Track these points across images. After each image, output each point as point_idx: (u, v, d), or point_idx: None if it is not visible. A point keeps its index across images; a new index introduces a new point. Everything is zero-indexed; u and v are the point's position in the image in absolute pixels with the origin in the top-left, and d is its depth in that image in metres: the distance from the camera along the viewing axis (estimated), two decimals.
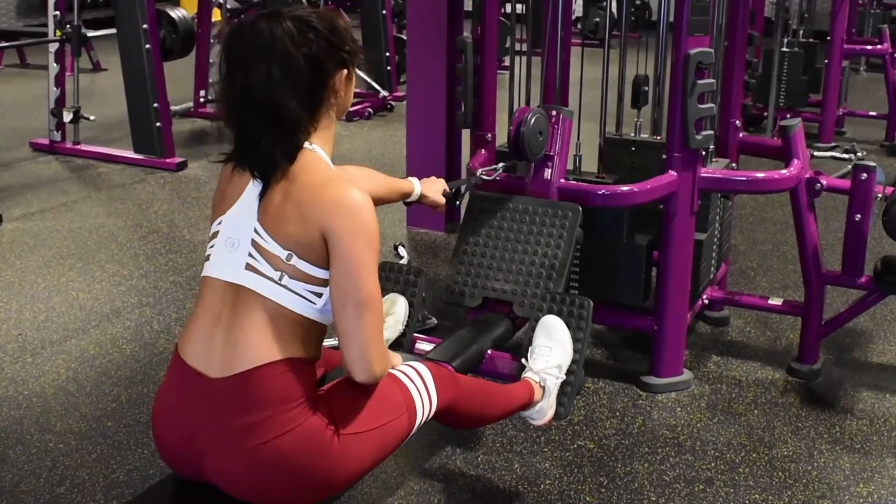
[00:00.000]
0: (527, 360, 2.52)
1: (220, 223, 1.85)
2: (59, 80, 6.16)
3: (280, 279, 1.77)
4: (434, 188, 2.70)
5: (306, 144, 1.86)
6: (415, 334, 2.71)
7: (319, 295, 1.80)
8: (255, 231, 1.79)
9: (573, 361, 2.54)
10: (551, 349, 2.51)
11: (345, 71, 1.90)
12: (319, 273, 1.79)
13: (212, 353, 1.76)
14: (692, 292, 3.16)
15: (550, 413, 2.46)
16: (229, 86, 1.81)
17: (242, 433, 1.70)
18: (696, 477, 2.66)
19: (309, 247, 1.77)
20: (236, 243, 1.80)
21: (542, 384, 2.44)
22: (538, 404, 2.43)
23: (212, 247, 1.85)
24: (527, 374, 2.47)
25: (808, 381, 3.21)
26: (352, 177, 2.18)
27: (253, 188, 1.83)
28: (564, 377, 2.49)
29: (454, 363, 2.44)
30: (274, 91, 1.78)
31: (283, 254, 1.77)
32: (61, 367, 3.27)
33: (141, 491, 2.45)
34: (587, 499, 2.56)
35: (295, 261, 1.77)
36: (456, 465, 2.70)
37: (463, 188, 2.86)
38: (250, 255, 1.78)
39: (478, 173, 2.94)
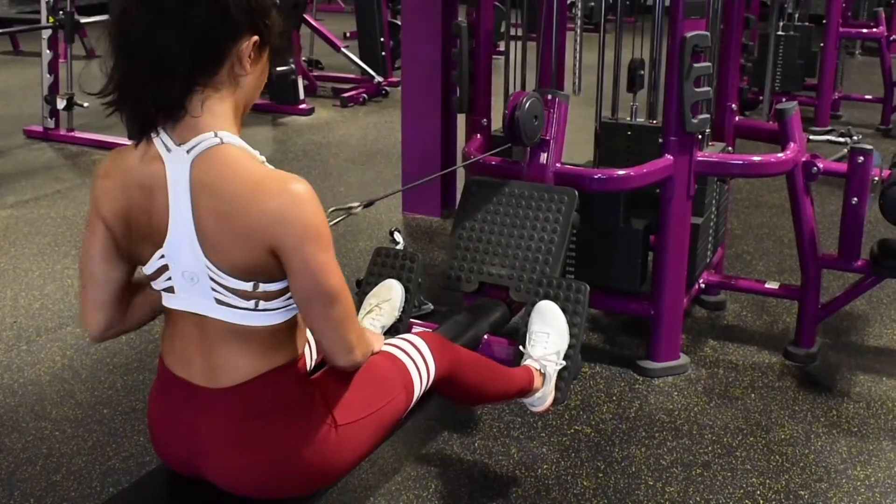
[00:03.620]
0: (524, 346, 2.52)
1: (162, 257, 1.62)
2: (53, 67, 6.14)
3: (256, 307, 1.63)
4: None
5: (210, 135, 1.57)
6: (411, 320, 2.70)
7: (292, 297, 1.67)
8: (208, 268, 1.59)
9: (570, 346, 2.53)
10: (548, 335, 2.51)
11: (255, 39, 1.60)
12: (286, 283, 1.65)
13: (195, 370, 1.69)
14: (688, 276, 3.15)
15: (550, 399, 2.45)
16: (118, 21, 1.57)
17: (238, 440, 1.67)
18: (694, 461, 2.67)
19: (267, 269, 1.60)
20: (195, 278, 1.61)
21: (541, 371, 2.43)
22: (539, 391, 2.42)
23: (168, 279, 1.65)
24: (526, 361, 2.46)
25: (804, 365, 3.22)
26: None
27: (177, 209, 1.57)
28: (563, 363, 2.48)
29: None
30: (159, 28, 1.53)
31: (248, 286, 1.60)
32: (56, 354, 3.26)
33: (136, 478, 2.45)
34: (584, 483, 2.56)
35: (263, 286, 1.61)
36: (453, 450, 2.70)
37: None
38: (214, 290, 1.61)
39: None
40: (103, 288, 1.72)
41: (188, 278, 1.62)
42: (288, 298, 1.66)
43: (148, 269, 1.66)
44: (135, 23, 1.54)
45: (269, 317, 1.65)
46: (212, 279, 1.60)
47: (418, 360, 1.97)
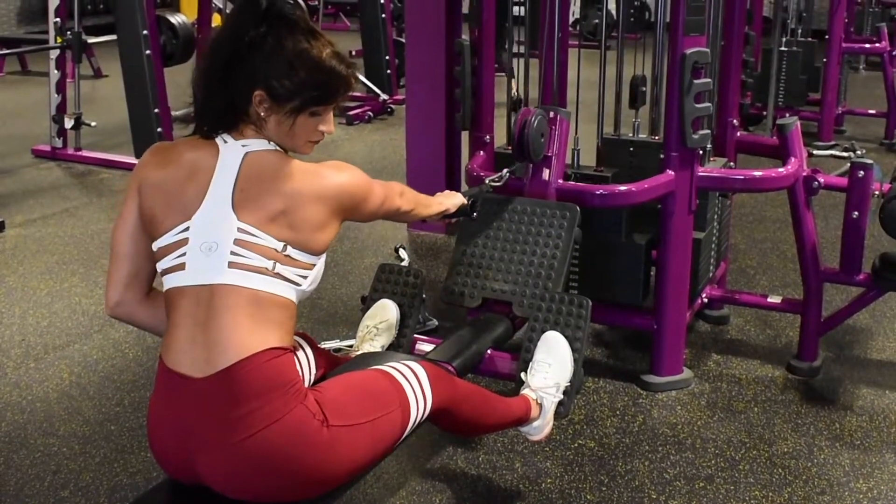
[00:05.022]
0: (525, 374, 2.53)
1: (185, 229, 1.81)
2: (61, 87, 6.19)
3: (273, 268, 1.79)
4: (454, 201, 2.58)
5: (265, 142, 1.86)
6: (415, 335, 2.73)
7: (305, 277, 1.84)
8: (240, 230, 1.78)
9: (574, 360, 2.54)
10: (550, 366, 2.51)
11: (261, 93, 1.82)
12: (311, 259, 1.85)
13: (193, 356, 1.76)
14: (691, 291, 3.17)
15: (547, 430, 2.47)
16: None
17: (230, 428, 1.71)
18: (697, 474, 2.68)
19: (307, 236, 1.82)
20: (214, 246, 1.78)
21: (539, 402, 2.45)
22: (535, 422, 2.44)
23: (181, 255, 1.80)
24: (524, 391, 2.47)
25: (807, 379, 3.23)
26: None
27: (219, 185, 1.81)
28: (561, 396, 2.49)
29: (454, 363, 2.46)
30: (206, 65, 1.88)
31: (278, 245, 1.79)
32: (64, 371, 3.28)
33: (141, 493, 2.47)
34: (588, 497, 2.57)
35: (290, 251, 1.80)
36: (457, 464, 2.71)
37: (478, 200, 2.71)
38: (233, 253, 1.77)
39: (486, 181, 2.87)
40: (127, 261, 1.91)
41: (206, 249, 1.78)
42: (302, 276, 1.83)
43: (164, 241, 1.81)
44: (202, 57, 1.93)
45: (279, 285, 1.79)
46: (237, 241, 1.77)
47: (416, 387, 2.00)
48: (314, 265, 1.86)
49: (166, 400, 1.81)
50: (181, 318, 1.80)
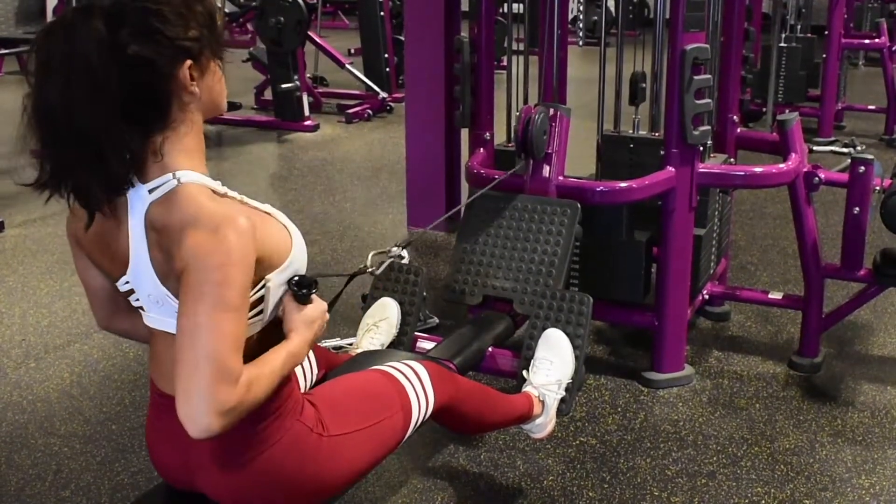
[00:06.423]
0: (527, 371, 2.53)
1: (127, 282, 1.64)
2: None
3: None
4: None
5: (169, 177, 1.55)
6: (416, 333, 2.72)
7: (261, 311, 1.63)
8: (168, 296, 1.59)
9: (575, 358, 2.54)
10: (552, 363, 2.51)
11: (188, 62, 1.55)
12: (254, 298, 1.60)
13: None
14: (692, 287, 3.17)
15: (550, 427, 2.47)
16: (34, 107, 1.57)
17: (231, 451, 1.67)
18: (699, 471, 2.67)
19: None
20: (160, 301, 1.61)
21: (541, 399, 2.45)
22: (538, 419, 2.44)
23: (137, 300, 1.66)
24: (527, 388, 2.47)
25: (809, 375, 3.22)
26: None
27: (136, 242, 1.58)
28: (563, 394, 2.49)
29: (455, 361, 2.45)
30: (80, 111, 1.49)
31: None
32: (65, 371, 3.28)
33: (141, 494, 2.46)
34: (590, 494, 2.57)
35: None
36: (459, 462, 2.71)
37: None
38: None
39: (368, 261, 2.38)
40: (101, 292, 1.77)
41: (154, 301, 1.63)
42: (257, 313, 1.63)
43: (119, 287, 1.68)
44: (57, 110, 1.52)
45: None
46: (174, 304, 1.58)
47: (418, 387, 1.98)
48: (263, 297, 1.63)
49: (161, 416, 1.75)
50: (162, 351, 1.70)
